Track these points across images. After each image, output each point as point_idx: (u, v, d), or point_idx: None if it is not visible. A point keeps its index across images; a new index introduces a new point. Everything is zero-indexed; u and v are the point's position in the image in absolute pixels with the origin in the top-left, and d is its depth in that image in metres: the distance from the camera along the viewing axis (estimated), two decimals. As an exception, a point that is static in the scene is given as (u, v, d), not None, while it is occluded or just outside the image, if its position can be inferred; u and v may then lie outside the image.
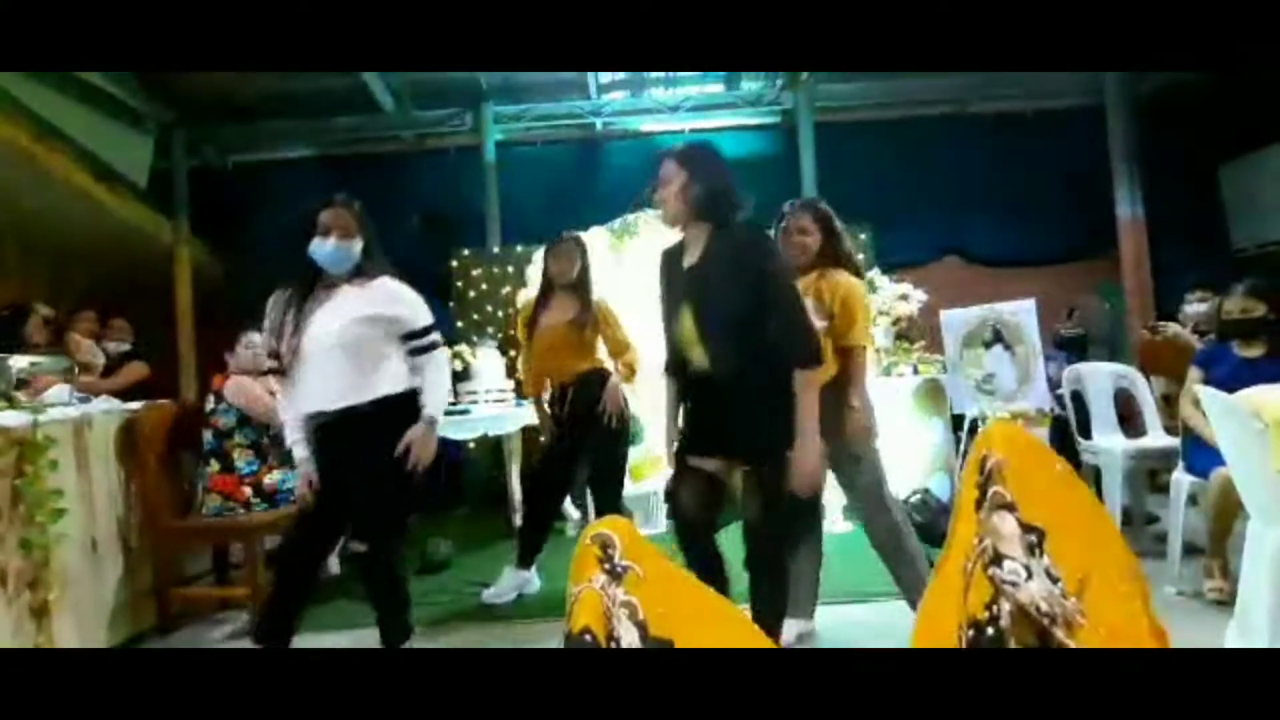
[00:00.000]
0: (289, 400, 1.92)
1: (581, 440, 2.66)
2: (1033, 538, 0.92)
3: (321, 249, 1.86)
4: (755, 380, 1.62)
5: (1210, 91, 4.99)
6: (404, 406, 1.88)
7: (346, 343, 1.83)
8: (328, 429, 1.87)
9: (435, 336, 1.96)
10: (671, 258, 1.79)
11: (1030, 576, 0.89)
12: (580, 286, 2.69)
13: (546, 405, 2.79)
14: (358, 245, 1.90)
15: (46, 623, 2.19)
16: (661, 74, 5.38)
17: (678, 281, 1.74)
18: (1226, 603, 2.13)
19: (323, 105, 5.19)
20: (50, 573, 2.22)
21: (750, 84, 5.49)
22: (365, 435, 1.84)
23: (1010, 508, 0.95)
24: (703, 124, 5.53)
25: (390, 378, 1.89)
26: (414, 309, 1.96)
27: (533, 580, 2.79)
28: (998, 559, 0.91)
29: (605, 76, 5.31)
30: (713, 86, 5.53)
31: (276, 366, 1.90)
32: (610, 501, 2.65)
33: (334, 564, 3.10)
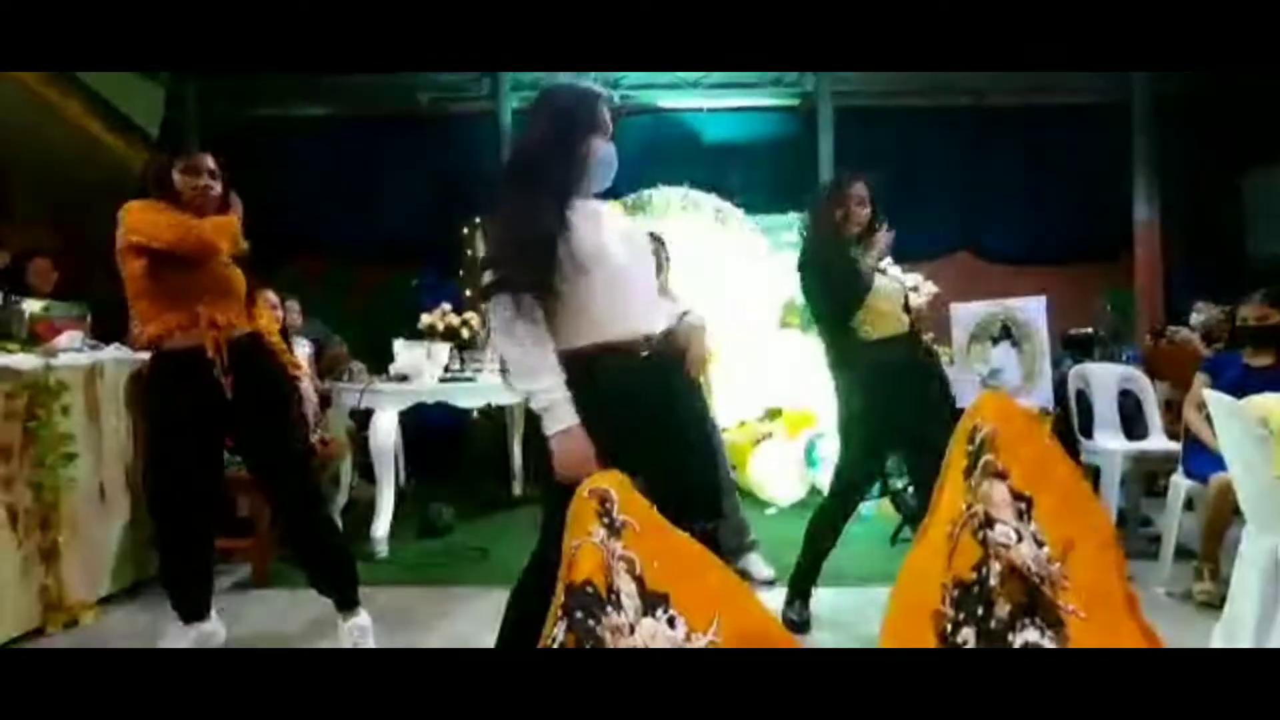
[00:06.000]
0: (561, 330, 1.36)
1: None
2: (1022, 504, 0.97)
3: (607, 153, 1.42)
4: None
5: (1235, 97, 4.93)
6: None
7: (647, 260, 1.48)
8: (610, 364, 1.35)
9: None
10: (842, 259, 2.15)
11: (1020, 540, 0.92)
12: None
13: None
14: None
15: (55, 565, 2.23)
16: (682, 49, 5.31)
17: (868, 274, 2.13)
18: (1214, 606, 2.16)
19: (339, 63, 5.13)
20: (60, 516, 2.26)
21: (771, 64, 5.43)
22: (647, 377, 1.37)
23: (1001, 475, 0.98)
24: (721, 102, 5.47)
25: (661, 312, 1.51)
26: None
27: (218, 632, 2.05)
28: (989, 523, 0.95)
29: (625, 49, 5.24)
30: (733, 65, 5.46)
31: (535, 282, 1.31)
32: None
33: (382, 547, 3.03)
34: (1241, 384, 2.27)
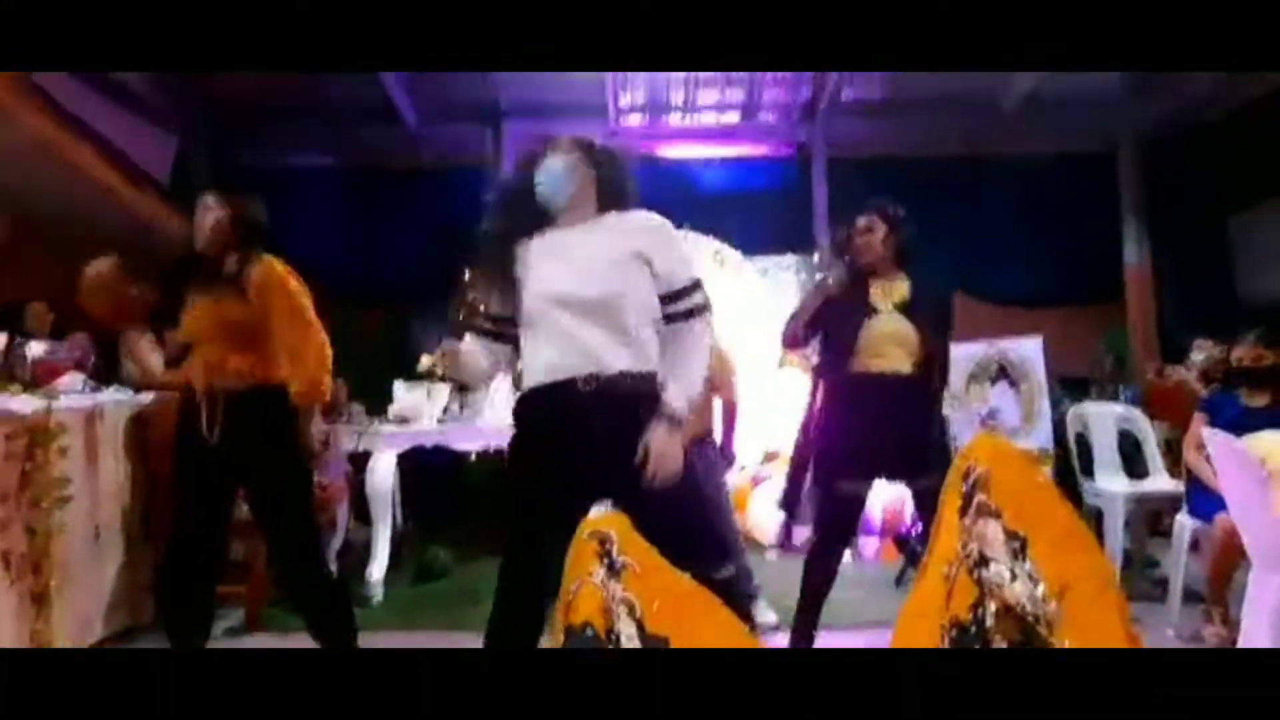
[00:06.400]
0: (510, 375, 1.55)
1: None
2: (1016, 544, 0.97)
3: (538, 173, 1.44)
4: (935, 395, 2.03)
5: (1221, 143, 5.07)
6: (637, 389, 1.34)
7: (581, 300, 1.35)
8: (543, 403, 1.37)
9: (698, 299, 1.42)
10: (856, 292, 2.10)
11: (1014, 578, 0.93)
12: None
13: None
14: (575, 165, 1.44)
15: (46, 609, 2.19)
16: (679, 101, 5.48)
17: (868, 309, 2.06)
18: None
19: (347, 116, 5.29)
20: (53, 560, 2.23)
21: (767, 116, 5.59)
22: (588, 418, 1.31)
23: (995, 515, 0.99)
24: (718, 152, 5.62)
25: (632, 348, 1.36)
26: (671, 256, 1.43)
27: None
28: (984, 562, 0.96)
29: (624, 101, 5.41)
30: (729, 116, 5.63)
31: (491, 329, 1.50)
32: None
33: (377, 592, 3.00)
34: (1240, 424, 2.28)
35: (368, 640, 2.06)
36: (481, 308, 1.51)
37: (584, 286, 1.34)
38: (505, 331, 1.46)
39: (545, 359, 1.35)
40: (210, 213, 1.91)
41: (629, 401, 1.32)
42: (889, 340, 2.05)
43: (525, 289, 1.39)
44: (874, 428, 2.00)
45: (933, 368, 2.06)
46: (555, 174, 1.42)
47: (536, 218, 1.44)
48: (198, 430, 1.86)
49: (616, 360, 1.33)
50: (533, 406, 1.38)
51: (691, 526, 1.36)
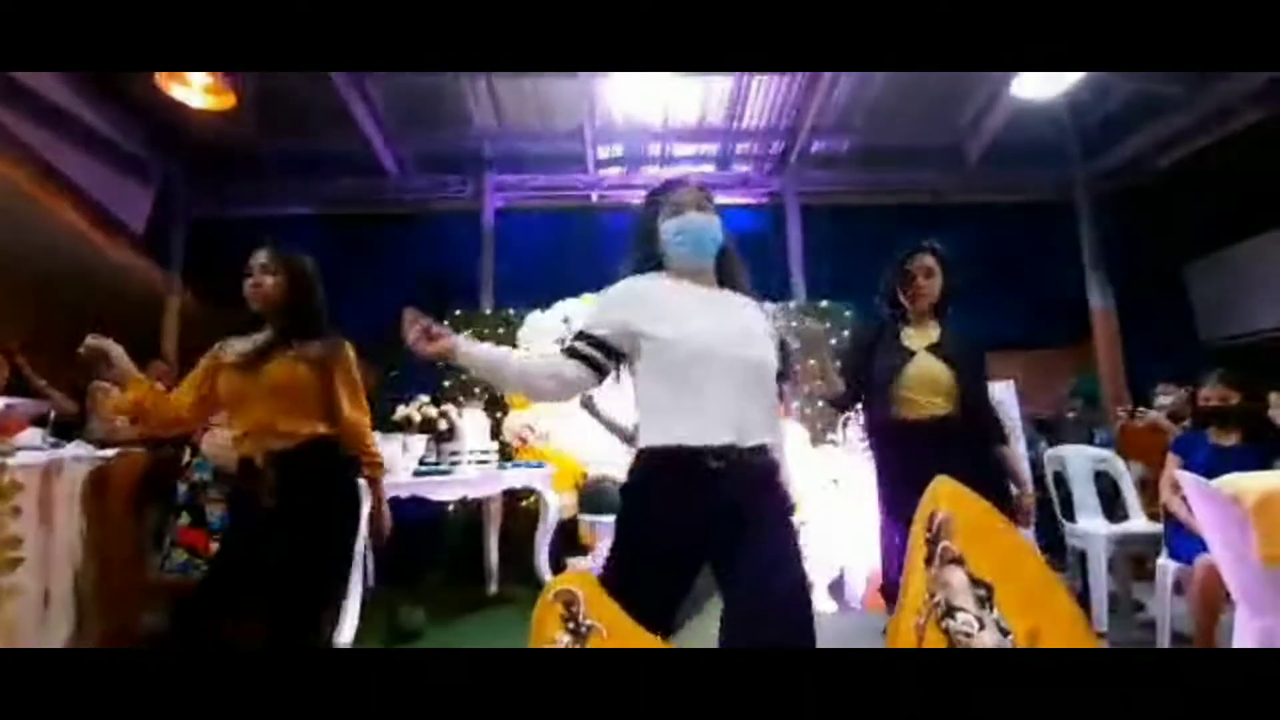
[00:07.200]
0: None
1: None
2: (982, 591, 0.95)
3: (672, 225, 1.38)
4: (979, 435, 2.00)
5: (1171, 194, 5.32)
6: (767, 462, 1.29)
7: (747, 362, 1.30)
8: (685, 468, 1.23)
9: None
10: (887, 336, 2.15)
11: (983, 627, 0.91)
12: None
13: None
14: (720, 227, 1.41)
15: (-15, 682, 2.05)
16: (657, 153, 5.62)
17: (904, 352, 2.08)
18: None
19: (327, 166, 5.32)
20: (-3, 627, 2.10)
21: (741, 167, 5.75)
22: (730, 489, 1.22)
23: (959, 561, 0.98)
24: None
25: (773, 420, 1.34)
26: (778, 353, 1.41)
27: None
28: (950, 612, 0.94)
29: (604, 153, 5.53)
30: (706, 167, 5.78)
31: (594, 356, 1.35)
32: None
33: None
34: (1211, 464, 2.30)
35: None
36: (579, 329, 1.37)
37: (751, 349, 1.29)
38: (606, 365, 1.34)
39: (699, 418, 1.22)
40: (268, 275, 1.85)
41: (763, 474, 1.25)
42: (925, 382, 2.02)
43: (669, 338, 1.26)
44: (922, 470, 1.93)
45: (971, 405, 2.01)
46: (712, 232, 1.37)
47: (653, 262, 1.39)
48: (252, 494, 1.75)
49: (765, 431, 1.27)
50: (671, 469, 1.22)
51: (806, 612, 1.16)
